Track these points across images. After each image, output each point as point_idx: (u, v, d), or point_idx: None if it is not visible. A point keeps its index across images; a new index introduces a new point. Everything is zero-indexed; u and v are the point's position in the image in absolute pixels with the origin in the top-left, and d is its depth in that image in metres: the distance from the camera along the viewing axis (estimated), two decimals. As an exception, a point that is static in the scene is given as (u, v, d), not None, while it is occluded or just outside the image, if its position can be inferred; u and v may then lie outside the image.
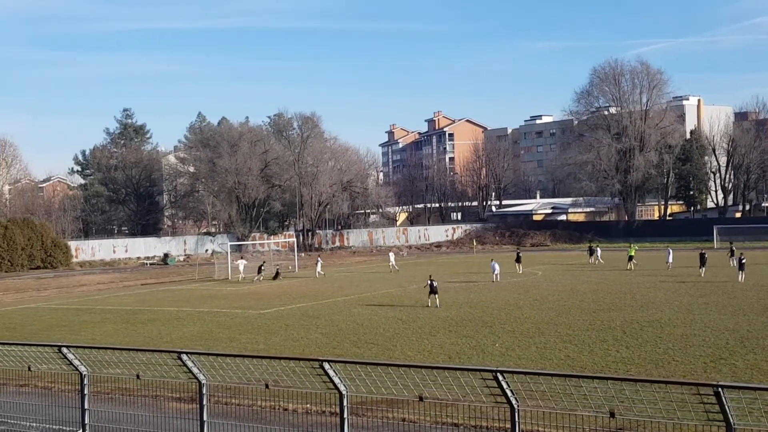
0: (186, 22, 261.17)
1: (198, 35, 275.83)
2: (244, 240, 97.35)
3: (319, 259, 67.48)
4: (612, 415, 9.09)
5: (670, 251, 58.48)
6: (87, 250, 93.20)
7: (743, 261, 47.26)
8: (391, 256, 69.16)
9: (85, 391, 13.09)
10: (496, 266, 52.85)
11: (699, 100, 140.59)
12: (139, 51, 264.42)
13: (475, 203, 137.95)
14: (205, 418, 12.00)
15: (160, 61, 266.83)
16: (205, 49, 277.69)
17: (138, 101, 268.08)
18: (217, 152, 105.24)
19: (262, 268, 61.47)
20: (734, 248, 58.60)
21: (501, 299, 40.99)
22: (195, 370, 11.80)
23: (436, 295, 39.24)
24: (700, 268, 51.10)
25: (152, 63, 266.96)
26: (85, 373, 12.99)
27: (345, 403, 10.83)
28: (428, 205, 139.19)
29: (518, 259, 60.54)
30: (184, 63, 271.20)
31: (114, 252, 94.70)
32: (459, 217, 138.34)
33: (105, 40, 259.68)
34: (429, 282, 40.00)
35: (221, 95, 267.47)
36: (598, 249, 68.00)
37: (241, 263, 62.30)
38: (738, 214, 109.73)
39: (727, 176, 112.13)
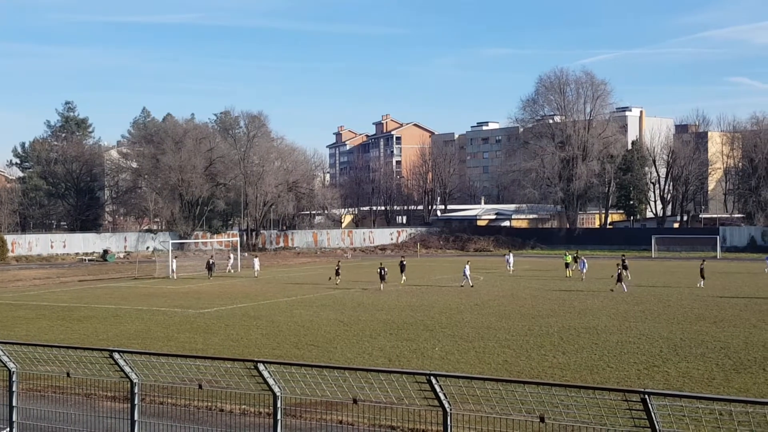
0: (132, 16, 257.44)
1: (144, 30, 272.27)
2: (186, 238, 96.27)
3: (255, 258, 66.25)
4: (542, 419, 9.20)
5: (585, 261, 58.45)
6: (24, 244, 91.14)
7: (620, 273, 48.22)
8: (255, 261, 64.66)
9: (14, 388, 12.80)
10: (467, 270, 51.90)
11: (641, 112, 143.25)
12: (83, 43, 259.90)
13: (420, 207, 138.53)
14: (136, 417, 11.83)
15: (104, 54, 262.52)
16: (151, 43, 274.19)
17: (81, 94, 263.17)
18: (160, 149, 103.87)
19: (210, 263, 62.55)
20: (626, 260, 58.02)
21: (442, 303, 41.23)
22: (127, 369, 11.63)
23: (383, 282, 49.92)
24: (701, 279, 49.99)
25: (97, 56, 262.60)
26: (13, 369, 12.72)
27: (279, 405, 10.78)
28: (374, 208, 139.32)
29: (402, 269, 55.52)
30: (129, 57, 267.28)
31: (52, 247, 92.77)
32: (404, 221, 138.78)
33: (49, 32, 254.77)
34: (379, 269, 50.79)
35: (166, 91, 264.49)
36: (585, 259, 59.67)
37: (174, 262, 62.20)
38: (676, 225, 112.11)
39: (666, 187, 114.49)
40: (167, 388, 13.99)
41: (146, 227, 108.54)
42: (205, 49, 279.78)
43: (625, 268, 51.63)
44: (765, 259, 65.72)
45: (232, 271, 67.52)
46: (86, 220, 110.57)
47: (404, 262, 56.71)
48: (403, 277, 54.53)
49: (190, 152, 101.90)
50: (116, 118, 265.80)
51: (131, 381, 11.70)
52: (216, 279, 60.16)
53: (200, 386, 11.77)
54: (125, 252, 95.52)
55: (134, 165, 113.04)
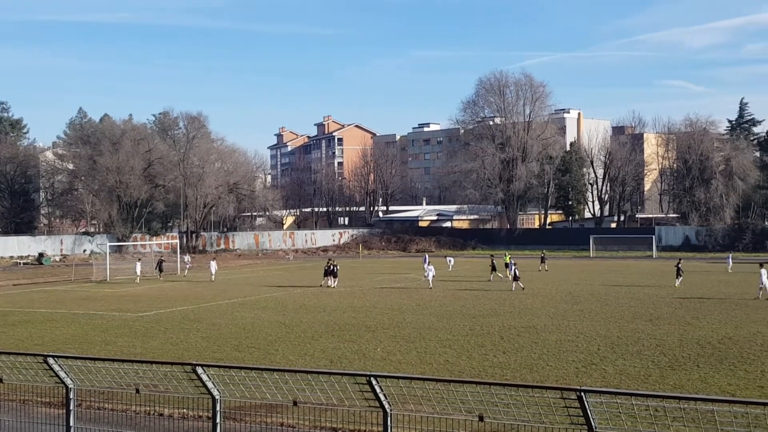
0: (68, 15, 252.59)
1: (80, 28, 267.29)
2: (124, 241, 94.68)
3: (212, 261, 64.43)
4: (481, 418, 9.29)
5: (514, 265, 58.50)
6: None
7: (516, 271, 49.76)
8: (212, 264, 61.99)
9: (-56, 397, 12.46)
10: (432, 269, 51.71)
11: (579, 114, 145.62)
12: (17, 42, 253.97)
13: (362, 208, 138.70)
14: (72, 423, 11.61)
15: (39, 53, 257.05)
16: (87, 43, 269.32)
17: (15, 94, 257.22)
18: (98, 150, 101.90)
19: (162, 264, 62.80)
20: (545, 256, 64.07)
21: (384, 304, 41.30)
22: (62, 374, 11.40)
23: (334, 279, 51.09)
24: (677, 278, 50.47)
25: (31, 55, 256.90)
26: (-57, 377, 12.37)
27: (218, 408, 10.68)
28: (316, 209, 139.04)
29: (333, 273, 52.06)
30: (65, 56, 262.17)
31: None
32: (346, 222, 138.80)
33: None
34: (332, 266, 51.57)
35: (103, 91, 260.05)
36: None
37: (138, 265, 60.88)
38: (613, 225, 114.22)
39: (604, 188, 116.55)
40: (104, 393, 13.77)
41: (83, 230, 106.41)
42: (142, 49, 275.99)
43: (543, 262, 52.82)
44: (726, 259, 66.57)
45: (185, 274, 66.44)
46: (21, 223, 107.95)
47: (336, 267, 53.27)
48: (334, 282, 52.10)
49: (128, 153, 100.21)
50: (52, 119, 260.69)
51: (66, 386, 11.48)
52: (164, 281, 59.46)
53: (138, 390, 11.61)
54: (62, 255, 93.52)
55: (70, 166, 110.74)
